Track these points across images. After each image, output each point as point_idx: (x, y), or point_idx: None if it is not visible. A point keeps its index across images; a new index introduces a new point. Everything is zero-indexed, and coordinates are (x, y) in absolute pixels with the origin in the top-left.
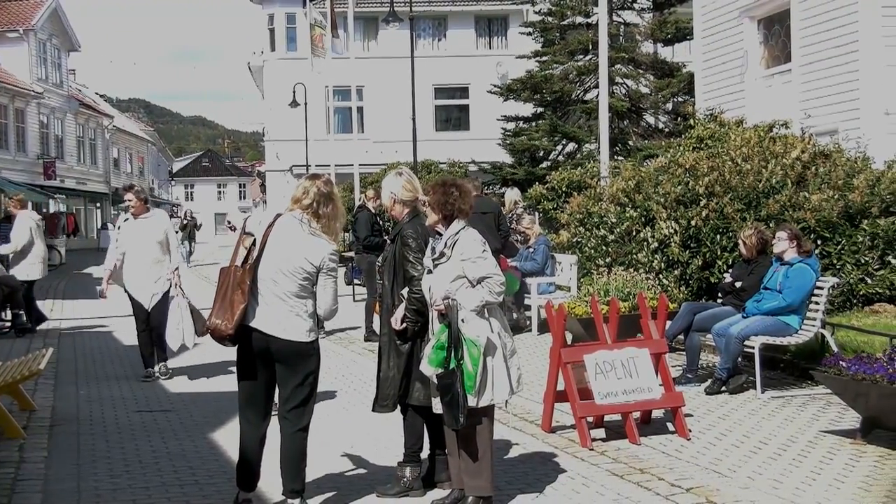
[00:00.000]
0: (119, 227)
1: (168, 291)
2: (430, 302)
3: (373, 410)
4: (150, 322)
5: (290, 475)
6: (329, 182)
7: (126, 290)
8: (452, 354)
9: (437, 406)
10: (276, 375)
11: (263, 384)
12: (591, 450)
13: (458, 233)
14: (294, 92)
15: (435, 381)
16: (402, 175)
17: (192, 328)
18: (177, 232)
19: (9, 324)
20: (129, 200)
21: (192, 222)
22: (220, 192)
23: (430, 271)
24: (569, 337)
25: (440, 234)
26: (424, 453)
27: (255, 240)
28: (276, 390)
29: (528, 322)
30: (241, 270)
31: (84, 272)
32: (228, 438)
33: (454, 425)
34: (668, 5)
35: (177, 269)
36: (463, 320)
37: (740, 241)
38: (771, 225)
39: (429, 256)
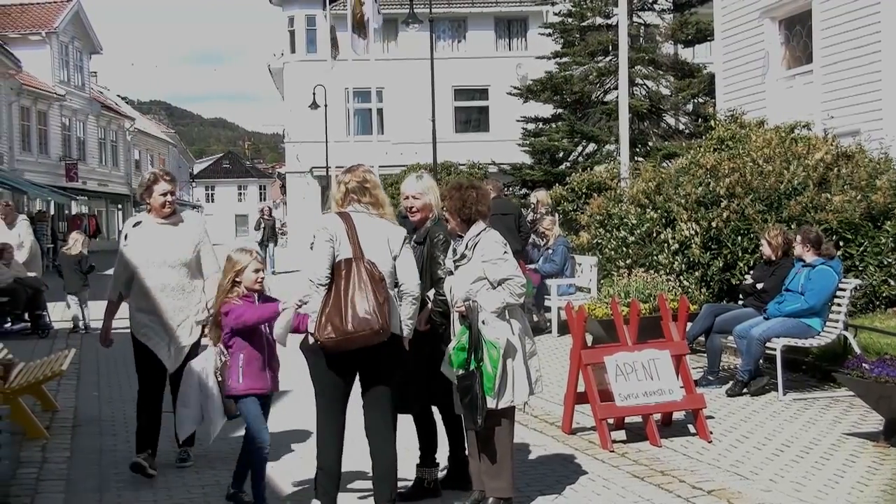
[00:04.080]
0: (126, 237)
1: (198, 343)
2: (452, 303)
3: (398, 412)
4: (171, 385)
5: (391, 482)
6: (356, 171)
7: (134, 340)
8: (472, 356)
9: (458, 407)
10: (362, 375)
11: (348, 386)
12: (612, 452)
13: (478, 234)
14: (314, 94)
15: (455, 382)
16: (431, 179)
17: (220, 407)
18: (258, 230)
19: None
20: (163, 193)
21: (269, 221)
22: (240, 194)
23: (451, 273)
24: (589, 339)
25: (461, 236)
26: (443, 456)
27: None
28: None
29: (548, 324)
30: (372, 265)
31: (105, 273)
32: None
33: (473, 426)
34: (688, 6)
35: (208, 305)
36: (484, 322)
37: (764, 242)
38: (793, 226)
39: (450, 258)
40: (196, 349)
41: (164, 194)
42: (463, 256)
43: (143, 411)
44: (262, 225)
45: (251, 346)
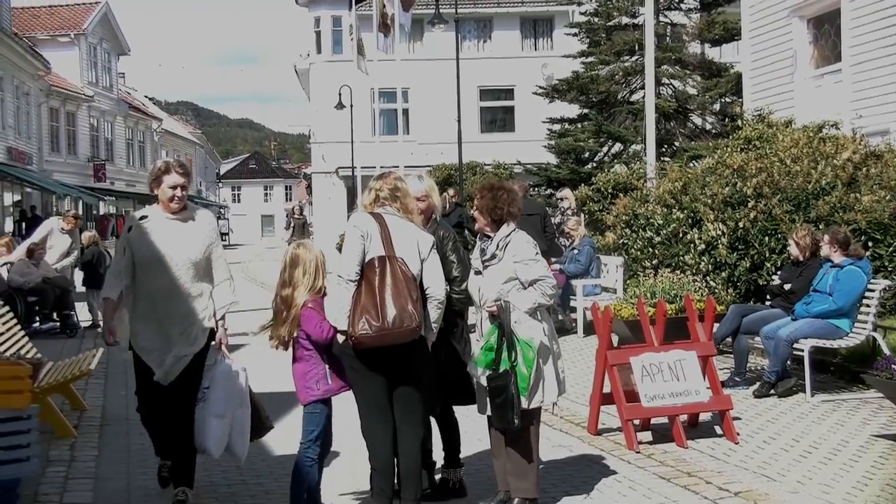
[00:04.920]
0: (130, 231)
1: (203, 353)
2: (480, 303)
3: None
4: (171, 410)
5: (416, 481)
6: (388, 178)
7: (131, 348)
8: (505, 356)
9: (484, 408)
10: (392, 374)
11: (387, 382)
12: (638, 452)
13: (508, 235)
14: (340, 94)
15: (484, 382)
16: (427, 179)
17: (247, 424)
18: (288, 228)
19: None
20: (173, 186)
21: (300, 220)
22: (266, 194)
23: (478, 273)
24: (615, 339)
25: (488, 237)
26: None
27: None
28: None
29: (573, 324)
30: (404, 263)
31: None
32: (275, 439)
33: (509, 426)
34: (715, 5)
35: (224, 316)
36: (516, 322)
37: (792, 242)
38: (821, 227)
39: (477, 258)
40: (202, 359)
41: (175, 187)
42: (493, 256)
43: (148, 417)
44: (292, 224)
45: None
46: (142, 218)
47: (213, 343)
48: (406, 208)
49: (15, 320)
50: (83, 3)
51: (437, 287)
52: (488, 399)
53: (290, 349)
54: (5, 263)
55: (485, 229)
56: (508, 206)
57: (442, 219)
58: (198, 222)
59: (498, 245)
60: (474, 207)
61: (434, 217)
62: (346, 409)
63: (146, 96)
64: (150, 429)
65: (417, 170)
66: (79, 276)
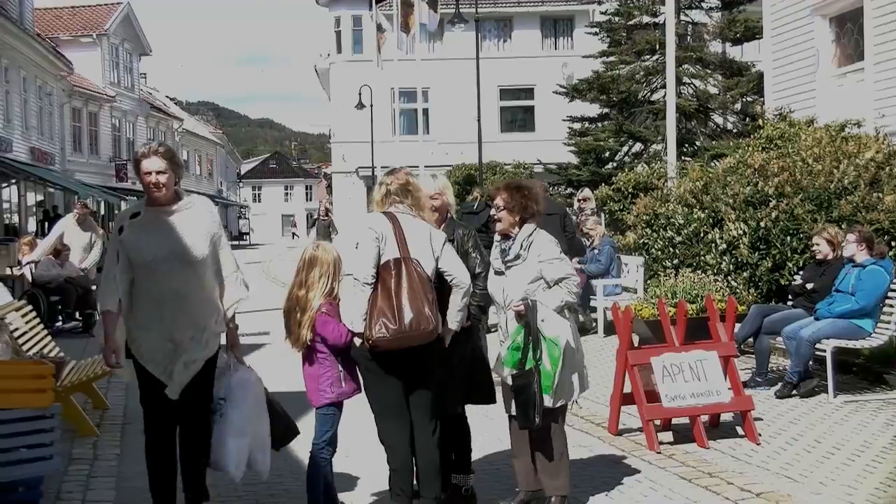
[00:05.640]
0: (121, 233)
1: (214, 357)
2: (504, 303)
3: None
4: (180, 428)
5: (436, 480)
6: (398, 174)
7: (133, 358)
8: (530, 355)
9: (510, 407)
10: (407, 375)
11: (403, 383)
12: (659, 453)
13: (531, 235)
14: (360, 94)
15: (509, 382)
16: (442, 178)
17: (267, 437)
18: (311, 228)
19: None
20: (148, 172)
21: (325, 222)
22: (287, 194)
23: (499, 273)
24: (635, 339)
25: (508, 237)
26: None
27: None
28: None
29: (593, 324)
30: (419, 264)
31: None
32: (297, 439)
33: (529, 425)
34: (737, 4)
35: (234, 315)
36: (542, 320)
37: (822, 241)
38: (843, 226)
39: (497, 258)
40: (214, 362)
41: (149, 173)
42: (517, 257)
43: (156, 457)
44: (316, 225)
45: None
46: (133, 216)
47: (222, 345)
48: (418, 204)
49: (38, 319)
50: (105, 4)
51: (460, 275)
52: (513, 398)
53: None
54: (29, 262)
55: (510, 230)
56: (534, 206)
57: (471, 216)
58: (195, 212)
59: (522, 245)
60: (500, 207)
61: (450, 216)
62: (361, 412)
63: (167, 96)
64: (158, 461)
65: (437, 170)
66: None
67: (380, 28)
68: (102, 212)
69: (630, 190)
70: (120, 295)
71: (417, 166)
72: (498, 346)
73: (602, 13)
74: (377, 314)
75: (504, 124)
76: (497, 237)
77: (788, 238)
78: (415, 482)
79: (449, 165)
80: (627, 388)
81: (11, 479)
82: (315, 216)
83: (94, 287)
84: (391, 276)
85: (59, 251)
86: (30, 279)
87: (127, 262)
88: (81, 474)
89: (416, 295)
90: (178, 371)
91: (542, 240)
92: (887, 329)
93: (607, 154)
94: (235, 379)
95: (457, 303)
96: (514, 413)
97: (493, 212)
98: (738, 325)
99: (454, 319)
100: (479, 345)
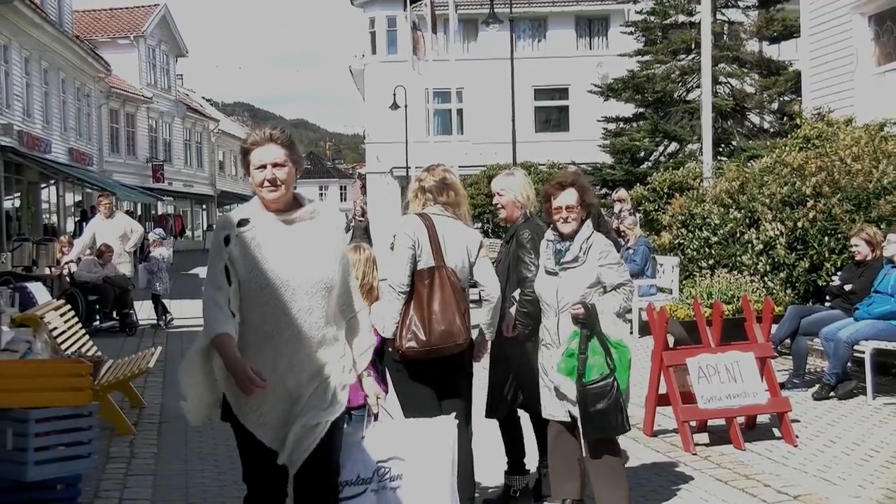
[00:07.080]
0: (227, 240)
1: (341, 418)
2: (558, 306)
3: (486, 416)
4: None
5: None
6: (435, 171)
7: (227, 418)
8: (605, 360)
9: (551, 411)
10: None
11: (435, 388)
12: (694, 454)
13: (589, 237)
14: (394, 94)
15: (566, 390)
16: (519, 176)
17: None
18: (347, 231)
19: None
20: (261, 166)
21: (362, 223)
22: (321, 194)
23: (550, 273)
24: (670, 340)
25: (560, 237)
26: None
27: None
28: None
29: (628, 324)
30: (453, 273)
31: (190, 273)
32: None
33: (619, 432)
34: (774, 2)
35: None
36: (605, 324)
37: (862, 241)
38: (882, 227)
39: (550, 259)
40: (340, 426)
41: (264, 166)
42: (575, 259)
43: None
44: (353, 226)
45: None
46: (241, 223)
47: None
48: (454, 200)
49: (76, 319)
50: (142, 6)
51: (491, 288)
52: (578, 407)
53: None
54: (68, 262)
55: (579, 229)
56: (594, 201)
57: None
58: (321, 223)
59: (581, 248)
60: (561, 206)
61: (528, 213)
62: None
63: (203, 97)
64: None
65: (471, 170)
66: (143, 274)
67: (415, 27)
68: (139, 212)
69: (665, 190)
70: (236, 323)
71: (452, 166)
72: (542, 350)
73: (637, 12)
74: (408, 325)
75: (538, 124)
76: (550, 236)
77: (826, 238)
78: None
79: (483, 166)
80: (662, 389)
81: (50, 476)
82: (351, 217)
83: (131, 287)
84: (425, 286)
85: (103, 252)
86: (68, 279)
87: (238, 285)
88: (119, 472)
89: (447, 306)
90: (294, 438)
91: (601, 243)
92: None
93: (642, 154)
94: (413, 452)
95: (486, 317)
96: (584, 420)
97: (560, 214)
98: (774, 327)
99: (485, 330)
100: (529, 350)
